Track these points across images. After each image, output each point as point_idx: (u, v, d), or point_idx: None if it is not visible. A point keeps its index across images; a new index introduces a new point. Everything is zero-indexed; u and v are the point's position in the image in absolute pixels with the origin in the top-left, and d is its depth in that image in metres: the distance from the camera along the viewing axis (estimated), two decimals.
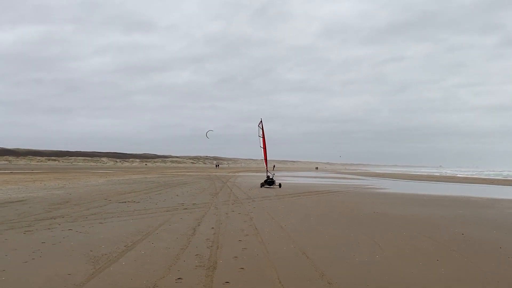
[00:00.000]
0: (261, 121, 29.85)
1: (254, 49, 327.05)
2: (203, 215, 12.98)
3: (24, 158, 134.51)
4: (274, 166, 38.94)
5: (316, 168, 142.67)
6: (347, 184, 37.25)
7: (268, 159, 31.65)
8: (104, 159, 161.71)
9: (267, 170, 29.88)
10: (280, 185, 28.12)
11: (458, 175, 73.52)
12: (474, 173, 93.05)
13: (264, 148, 30.35)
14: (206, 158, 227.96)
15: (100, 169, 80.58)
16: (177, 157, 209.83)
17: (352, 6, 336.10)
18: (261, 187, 27.63)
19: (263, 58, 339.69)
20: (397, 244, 9.22)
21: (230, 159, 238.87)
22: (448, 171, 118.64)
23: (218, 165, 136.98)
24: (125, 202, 16.35)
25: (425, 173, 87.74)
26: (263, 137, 30.14)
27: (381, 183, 39.59)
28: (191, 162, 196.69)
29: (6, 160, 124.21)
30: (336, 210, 15.55)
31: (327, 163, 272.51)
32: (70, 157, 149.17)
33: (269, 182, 28.24)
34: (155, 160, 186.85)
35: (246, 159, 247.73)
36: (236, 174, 58.16)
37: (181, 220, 11.81)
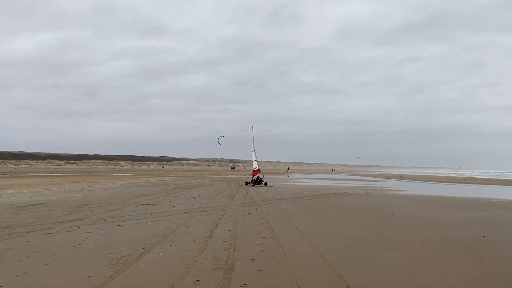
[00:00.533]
0: (252, 128, 35.14)
1: (268, 52, 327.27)
2: (220, 217, 13.02)
3: (44, 162, 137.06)
4: (288, 168, 44.96)
5: (333, 170, 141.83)
6: (365, 186, 36.91)
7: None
8: (122, 162, 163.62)
9: (254, 173, 34.08)
10: (266, 184, 32.18)
11: (478, 177, 72.18)
12: (494, 174, 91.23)
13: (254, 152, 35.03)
14: (222, 160, 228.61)
15: (118, 172, 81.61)
16: (193, 159, 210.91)
17: (366, 8, 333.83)
18: (246, 185, 31.91)
19: (277, 60, 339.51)
20: (416, 246, 9.09)
21: (245, 161, 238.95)
22: (467, 173, 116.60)
23: (234, 168, 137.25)
24: (143, 204, 16.52)
25: (444, 175, 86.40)
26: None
27: (399, 185, 39.12)
28: (207, 165, 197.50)
29: (27, 164, 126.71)
30: (353, 213, 15.42)
31: (344, 165, 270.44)
32: (88, 161, 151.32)
33: (258, 181, 32.59)
34: (172, 162, 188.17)
35: (261, 161, 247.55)
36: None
37: (198, 223, 11.86)
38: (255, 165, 34.69)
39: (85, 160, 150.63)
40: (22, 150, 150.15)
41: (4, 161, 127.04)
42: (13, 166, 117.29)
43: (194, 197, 20.12)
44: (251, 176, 34.57)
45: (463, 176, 79.71)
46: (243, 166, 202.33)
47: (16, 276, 6.32)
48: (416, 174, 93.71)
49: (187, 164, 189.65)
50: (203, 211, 14.59)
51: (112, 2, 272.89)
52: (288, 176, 58.25)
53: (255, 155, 35.01)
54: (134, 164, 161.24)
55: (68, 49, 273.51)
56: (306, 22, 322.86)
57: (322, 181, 48.23)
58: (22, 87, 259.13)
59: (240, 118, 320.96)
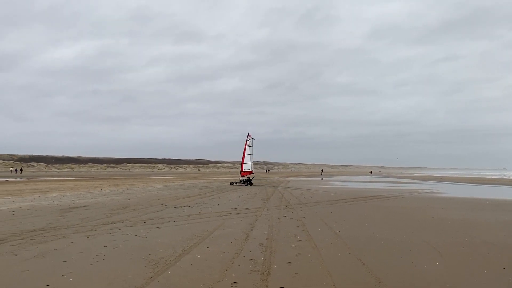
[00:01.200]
0: (248, 134, 38.68)
1: (301, 54, 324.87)
2: (255, 220, 13.07)
3: (85, 166, 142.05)
4: (322, 170, 47.72)
5: (370, 172, 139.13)
6: (403, 188, 36.03)
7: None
8: (159, 165, 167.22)
9: (241, 174, 38.73)
10: (251, 183, 36.74)
11: None
12: None
13: (243, 156, 38.82)
14: (257, 163, 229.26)
15: (156, 175, 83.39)
16: (228, 162, 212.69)
17: (402, 7, 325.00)
18: (231, 184, 36.52)
19: (311, 62, 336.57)
20: (458, 251, 8.80)
21: (280, 164, 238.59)
22: None
23: (268, 170, 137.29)
24: (180, 207, 16.82)
25: (487, 177, 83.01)
26: (245, 149, 38.65)
27: (439, 187, 37.94)
28: None
29: (69, 168, 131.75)
30: (392, 216, 15.10)
31: (381, 167, 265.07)
32: (127, 164, 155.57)
33: (246, 182, 37.02)
34: (208, 165, 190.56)
35: (296, 164, 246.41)
36: (287, 179, 58.06)
37: (235, 225, 11.96)
38: (249, 167, 38.61)
39: (124, 164, 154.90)
40: (65, 155, 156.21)
41: (48, 165, 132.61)
42: (56, 170, 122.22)
43: (229, 200, 20.29)
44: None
45: (509, 178, 76.28)
46: (278, 168, 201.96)
47: (62, 275, 6.59)
48: (458, 176, 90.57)
49: (222, 167, 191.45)
50: (239, 213, 14.69)
51: (149, 10, 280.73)
52: (322, 179, 57.68)
53: (251, 158, 38.93)
54: (171, 167, 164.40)
55: (107, 57, 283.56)
56: (339, 23, 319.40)
57: (359, 183, 47.46)
58: (63, 94, 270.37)
59: (273, 120, 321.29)
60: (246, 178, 37.61)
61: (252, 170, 38.85)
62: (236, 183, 37.48)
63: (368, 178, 74.16)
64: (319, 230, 11.19)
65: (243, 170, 38.81)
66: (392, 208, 17.96)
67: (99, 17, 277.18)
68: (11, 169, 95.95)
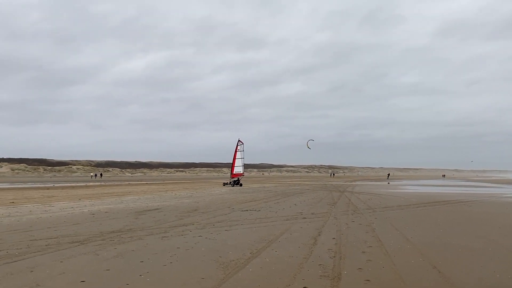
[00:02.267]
0: (238, 139, 44.01)
1: (364, 55, 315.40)
2: (322, 225, 12.92)
3: (156, 170, 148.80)
4: (388, 174, 50.74)
5: (443, 175, 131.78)
6: (481, 193, 33.80)
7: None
8: (225, 169, 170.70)
9: (231, 175, 44.16)
10: (241, 185, 41.99)
11: None
12: None
13: (234, 159, 44.09)
14: (321, 167, 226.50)
15: (222, 179, 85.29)
16: (292, 166, 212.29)
17: (471, 2, 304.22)
18: (223, 185, 41.91)
19: (375, 63, 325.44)
20: None
21: (345, 168, 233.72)
22: None
23: (333, 174, 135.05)
24: (247, 210, 17.07)
25: None
26: (235, 153, 43.81)
27: None
28: (306, 171, 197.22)
29: (141, 172, 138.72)
30: (469, 222, 14.23)
31: (455, 170, 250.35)
32: (195, 168, 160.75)
33: (236, 182, 42.42)
34: (271, 169, 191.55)
35: (362, 167, 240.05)
36: (353, 183, 56.75)
37: (301, 229, 11.91)
38: (240, 170, 44.23)
39: (192, 168, 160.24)
40: (137, 160, 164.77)
41: (122, 170, 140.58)
42: (130, 174, 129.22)
43: (295, 204, 20.24)
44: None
45: None
46: (343, 172, 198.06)
47: (140, 275, 6.96)
48: None
49: (286, 170, 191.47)
50: (305, 218, 14.61)
51: (212, 21, 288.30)
52: (388, 183, 55.67)
53: (242, 161, 44.34)
54: None
55: (175, 67, 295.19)
56: (404, 22, 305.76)
57: (431, 187, 45.22)
58: (135, 103, 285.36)
59: (337, 123, 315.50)
60: (236, 179, 43.03)
61: (243, 172, 44.78)
62: (227, 184, 42.88)
63: (440, 181, 70.42)
64: (390, 236, 10.82)
65: (234, 172, 44.14)
66: (469, 213, 16.92)
67: (166, 30, 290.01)
68: (91, 174, 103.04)
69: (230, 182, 42.99)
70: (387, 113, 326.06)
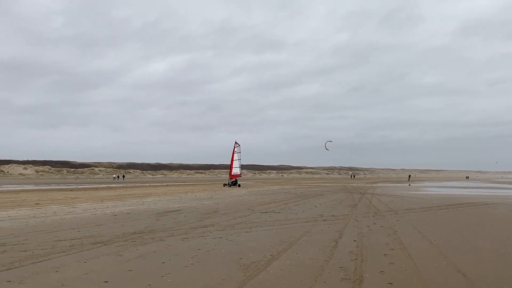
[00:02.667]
0: (235, 142, 47.57)
1: (383, 56, 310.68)
2: (343, 227, 12.81)
3: (176, 172, 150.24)
4: (409, 176, 52.40)
5: (467, 177, 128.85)
6: (506, 194, 32.98)
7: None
8: (243, 171, 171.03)
9: (230, 176, 47.33)
10: (239, 185, 44.88)
11: None
12: None
13: (232, 161, 47.14)
14: (341, 168, 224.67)
15: (241, 181, 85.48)
16: (311, 167, 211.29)
17: (492, 1, 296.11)
18: (223, 186, 44.73)
19: (394, 63, 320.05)
20: None
21: (366, 169, 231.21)
22: None
23: (353, 176, 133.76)
24: (266, 212, 17.06)
25: None
26: (233, 155, 47.10)
27: None
28: (326, 173, 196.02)
29: (162, 174, 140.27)
30: (495, 225, 13.90)
31: (479, 172, 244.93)
32: (214, 170, 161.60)
33: (234, 183, 45.15)
34: (291, 171, 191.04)
35: (383, 169, 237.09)
36: (374, 184, 56.11)
37: (322, 232, 11.83)
38: (237, 171, 47.39)
39: (211, 170, 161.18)
40: (158, 162, 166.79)
41: (144, 172, 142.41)
42: (151, 176, 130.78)
43: (315, 206, 20.13)
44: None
45: None
46: (364, 174, 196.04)
47: (162, 276, 7.02)
48: None
49: (305, 172, 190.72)
50: (325, 220, 14.52)
51: (231, 23, 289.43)
52: (409, 185, 54.81)
53: (239, 162, 47.49)
54: (255, 173, 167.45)
55: (194, 69, 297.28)
56: (424, 22, 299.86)
57: (454, 189, 44.36)
58: (156, 105, 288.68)
59: (356, 124, 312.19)
60: (234, 180, 45.79)
61: (240, 173, 48.00)
62: (226, 184, 45.22)
63: (464, 183, 68.99)
64: (412, 239, 10.65)
65: (232, 173, 46.99)
66: (494, 215, 16.53)
67: (186, 33, 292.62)
68: (114, 175, 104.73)
69: (228, 183, 45.35)
70: (408, 113, 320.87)
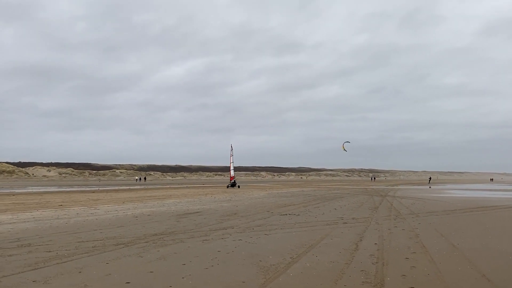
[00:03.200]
0: (231, 145, 51.77)
1: (404, 57, 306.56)
2: (364, 230, 12.67)
3: (196, 174, 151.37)
4: (430, 178, 54.13)
5: (491, 179, 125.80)
6: None
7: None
8: (263, 173, 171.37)
9: (231, 179, 50.69)
10: (239, 186, 50.30)
11: None
12: None
13: (231, 164, 50.96)
14: (361, 170, 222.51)
15: (260, 183, 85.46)
16: (331, 170, 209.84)
17: None
18: (227, 187, 48.53)
19: (415, 64, 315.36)
20: None
21: (387, 171, 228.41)
22: None
23: (374, 178, 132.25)
24: (286, 214, 17.01)
25: None
26: (231, 158, 50.68)
27: None
28: (346, 175, 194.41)
29: (182, 176, 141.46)
30: None
31: (504, 174, 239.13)
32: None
33: (233, 184, 49.40)
34: (310, 173, 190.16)
35: (404, 171, 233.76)
36: (395, 187, 55.36)
37: (342, 234, 11.73)
38: (232, 173, 51.02)
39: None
40: (178, 164, 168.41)
41: (164, 174, 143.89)
42: (171, 178, 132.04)
43: (335, 208, 19.98)
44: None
45: None
46: (385, 176, 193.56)
47: (182, 278, 7.08)
48: None
49: (325, 174, 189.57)
50: (345, 223, 14.39)
51: (249, 27, 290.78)
52: (430, 187, 53.87)
53: (233, 166, 50.95)
54: (274, 175, 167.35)
55: (213, 72, 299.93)
56: (445, 22, 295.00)
57: (477, 192, 43.40)
58: (176, 108, 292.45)
59: (377, 126, 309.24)
60: (233, 182, 50.21)
61: (234, 176, 51.78)
62: (229, 186, 49.42)
63: (488, 186, 67.41)
64: (435, 242, 10.47)
65: (231, 175, 51.14)
66: None
67: (205, 37, 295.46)
68: (136, 177, 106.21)
69: (228, 185, 50.09)
70: (429, 115, 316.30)
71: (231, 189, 45.14)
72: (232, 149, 51.41)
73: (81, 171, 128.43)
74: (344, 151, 61.56)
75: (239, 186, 50.47)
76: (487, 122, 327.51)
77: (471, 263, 8.18)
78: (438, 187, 57.85)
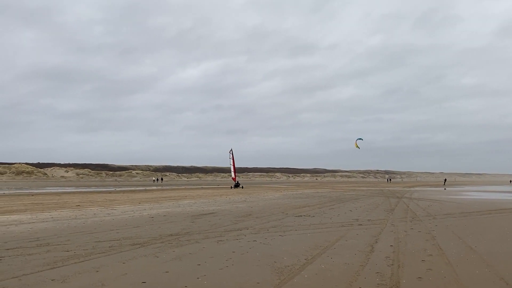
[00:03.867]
0: (231, 150, 54.84)
1: (420, 57, 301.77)
2: (379, 232, 12.58)
3: (211, 175, 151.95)
4: (445, 180, 55.54)
5: (510, 181, 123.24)
6: None
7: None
8: (277, 174, 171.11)
9: (234, 180, 54.13)
10: (242, 187, 52.77)
11: None
12: None
13: (233, 166, 54.79)
14: (377, 172, 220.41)
15: (275, 184, 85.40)
16: (346, 171, 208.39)
17: None
18: (230, 188, 50.69)
19: (431, 65, 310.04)
20: None
21: (403, 173, 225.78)
22: None
23: (390, 179, 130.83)
24: (300, 216, 16.98)
25: None
26: (233, 161, 54.47)
27: None
28: (361, 176, 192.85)
29: (197, 177, 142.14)
30: None
31: None
32: (248, 173, 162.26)
33: (237, 185, 52.44)
34: (325, 174, 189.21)
35: (421, 173, 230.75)
36: (412, 188, 54.69)
37: (357, 236, 11.67)
38: (233, 175, 54.75)
39: (245, 173, 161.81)
40: (193, 165, 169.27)
41: (179, 175, 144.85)
42: (186, 179, 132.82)
43: (350, 210, 19.86)
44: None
45: None
46: (401, 178, 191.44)
47: (197, 278, 7.14)
48: None
49: (340, 176, 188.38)
50: (361, 224, 14.30)
51: (264, 28, 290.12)
52: (445, 189, 53.14)
53: (234, 167, 54.59)
54: (289, 176, 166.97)
55: (228, 74, 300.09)
56: (461, 22, 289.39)
57: (496, 194, 42.59)
58: (191, 110, 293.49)
59: (393, 127, 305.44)
60: (237, 182, 53.53)
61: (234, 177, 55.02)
62: (233, 187, 52.08)
63: (507, 188, 66.09)
64: (452, 245, 10.33)
65: (234, 177, 54.60)
66: None
67: (220, 39, 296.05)
68: (153, 178, 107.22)
69: (232, 186, 52.83)
70: (446, 116, 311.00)
71: (240, 190, 46.34)
72: (232, 153, 54.62)
73: (98, 172, 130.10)
74: (357, 148, 61.08)
75: (242, 187, 53.38)
76: (506, 123, 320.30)
77: (489, 266, 8.06)
78: (455, 188, 56.98)
